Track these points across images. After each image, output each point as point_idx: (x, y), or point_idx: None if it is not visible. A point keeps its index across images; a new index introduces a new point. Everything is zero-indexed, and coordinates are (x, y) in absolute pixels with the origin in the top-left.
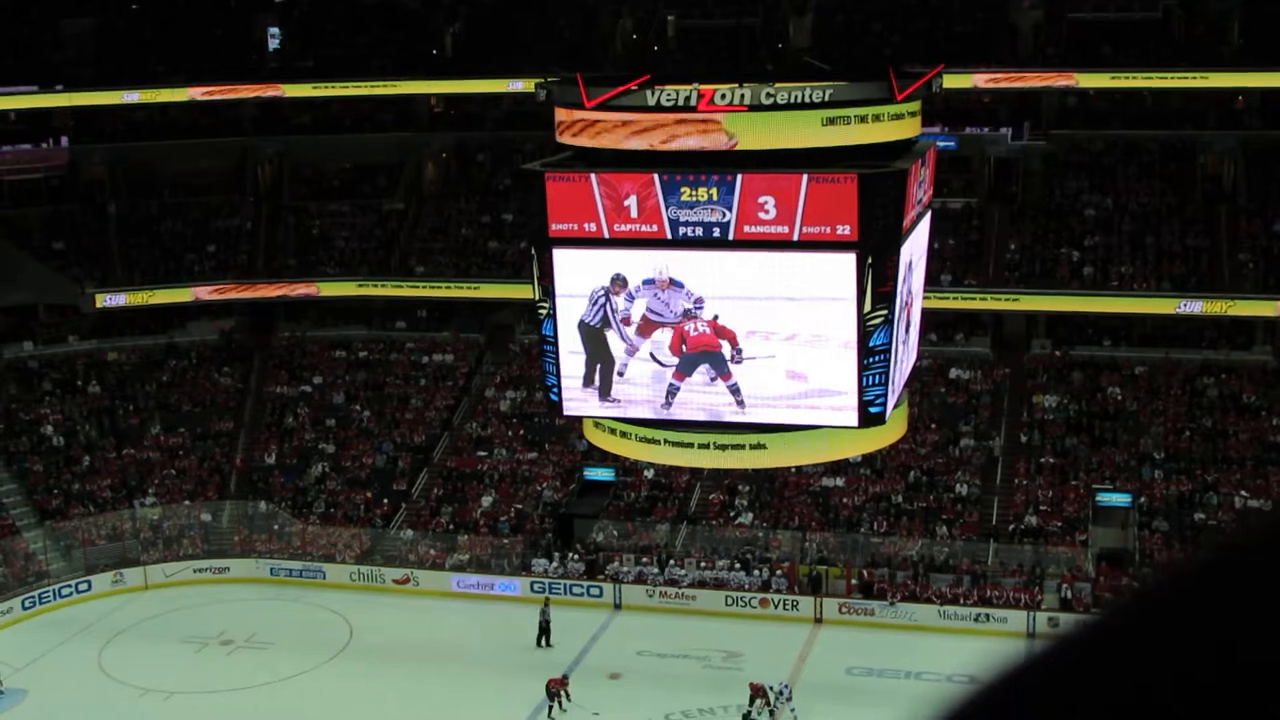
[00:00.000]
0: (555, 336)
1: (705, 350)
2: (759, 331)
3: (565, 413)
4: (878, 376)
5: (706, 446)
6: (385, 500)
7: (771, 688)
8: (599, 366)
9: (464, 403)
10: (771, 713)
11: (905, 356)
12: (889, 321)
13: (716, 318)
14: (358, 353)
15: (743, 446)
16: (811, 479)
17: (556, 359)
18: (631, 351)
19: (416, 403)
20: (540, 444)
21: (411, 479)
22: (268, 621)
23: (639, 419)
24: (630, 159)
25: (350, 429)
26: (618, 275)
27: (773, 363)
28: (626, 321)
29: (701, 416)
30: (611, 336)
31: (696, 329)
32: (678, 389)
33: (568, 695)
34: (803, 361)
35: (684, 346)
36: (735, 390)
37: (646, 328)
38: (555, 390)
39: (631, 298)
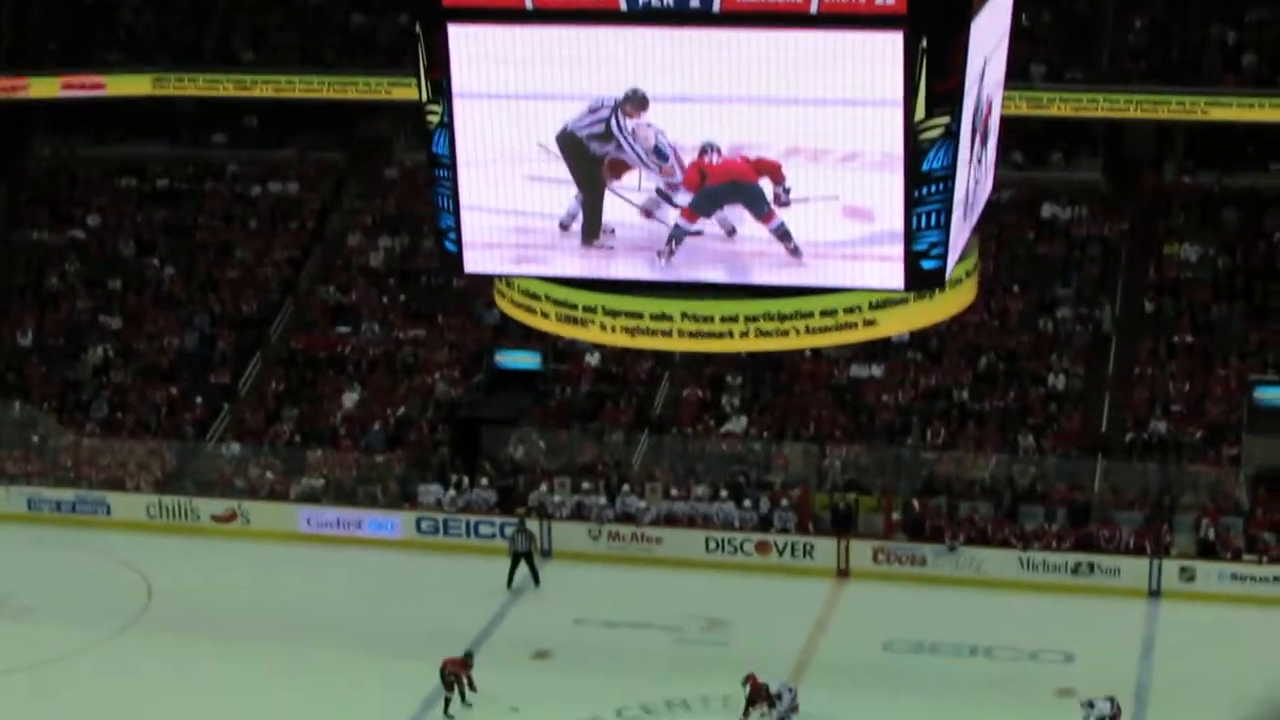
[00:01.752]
0: (452, 156)
1: (735, 181)
2: (803, 150)
3: (467, 269)
4: (935, 216)
5: (734, 319)
6: (198, 400)
7: (772, 689)
8: (584, 198)
9: (315, 255)
10: None
11: (977, 187)
12: (953, 134)
13: (743, 155)
14: (155, 181)
15: (711, 319)
16: (835, 367)
17: (454, 189)
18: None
19: (244, 255)
20: (430, 316)
21: (238, 369)
22: (26, 578)
23: (598, 278)
24: None
25: (145, 295)
26: (635, 92)
27: (829, 199)
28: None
29: (719, 274)
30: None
31: (720, 157)
32: (685, 232)
33: (470, 683)
34: (866, 192)
35: (704, 179)
36: (783, 234)
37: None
38: (453, 235)
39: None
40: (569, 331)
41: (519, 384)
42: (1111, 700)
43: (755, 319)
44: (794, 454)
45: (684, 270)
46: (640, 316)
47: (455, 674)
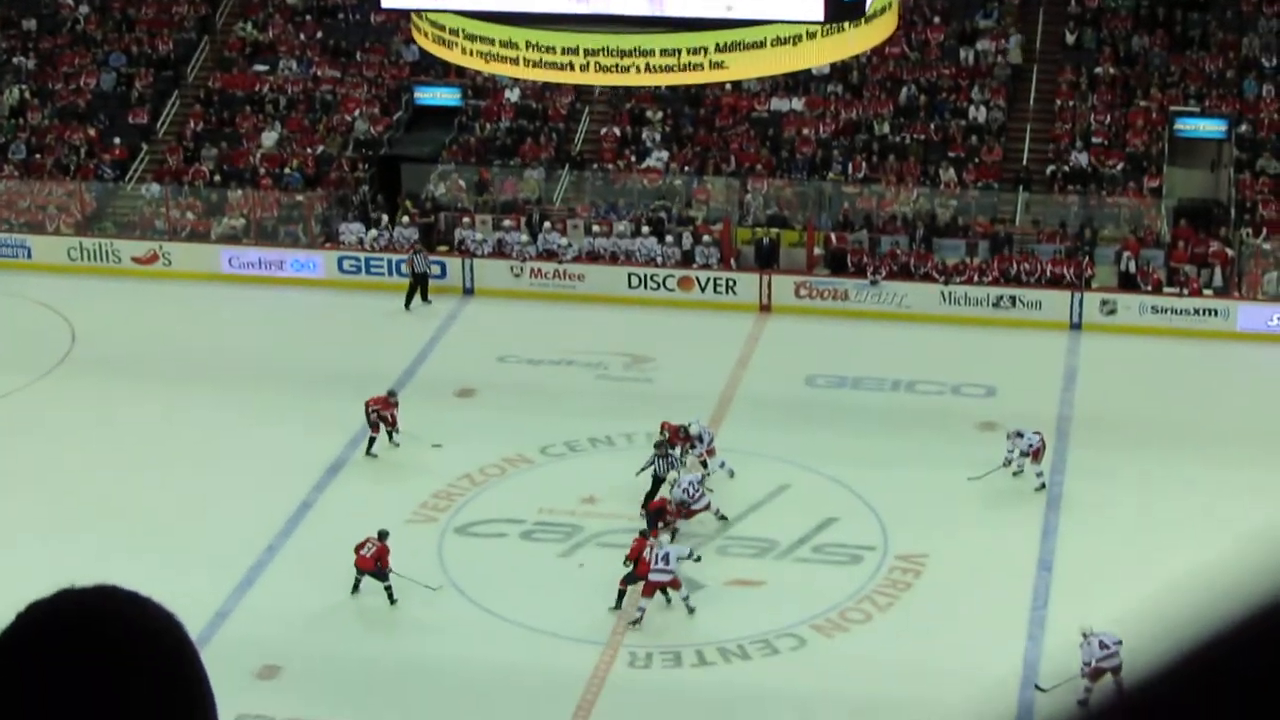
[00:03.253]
0: None
1: None
2: None
3: (384, 4)
4: None
5: (574, 52)
6: (117, 140)
7: (691, 431)
8: None
9: None
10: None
11: None
12: None
13: None
14: None
15: (553, 49)
16: (755, 100)
17: None
18: None
19: None
20: (348, 53)
21: (156, 108)
22: None
23: (517, 11)
24: None
25: (60, 35)
26: None
27: None
28: None
29: (639, 6)
30: None
31: None
32: None
33: (395, 421)
34: None
35: None
36: None
37: None
38: None
39: None
40: (437, 51)
41: (439, 121)
42: (1038, 434)
43: (595, 53)
44: (715, 188)
45: (602, 3)
46: (492, 42)
47: (379, 413)
